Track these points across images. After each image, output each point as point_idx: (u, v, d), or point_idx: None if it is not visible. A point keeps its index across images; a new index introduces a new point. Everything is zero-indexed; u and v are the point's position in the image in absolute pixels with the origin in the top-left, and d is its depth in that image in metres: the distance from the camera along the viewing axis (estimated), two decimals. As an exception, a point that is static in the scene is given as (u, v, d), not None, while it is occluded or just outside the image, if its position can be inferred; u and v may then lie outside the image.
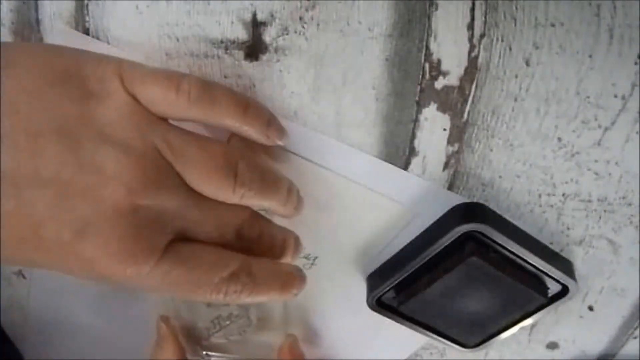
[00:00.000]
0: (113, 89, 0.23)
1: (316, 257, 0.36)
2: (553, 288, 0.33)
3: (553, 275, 0.32)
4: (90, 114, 0.22)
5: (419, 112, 0.29)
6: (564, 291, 0.33)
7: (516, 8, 0.26)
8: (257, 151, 0.29)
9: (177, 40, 0.28)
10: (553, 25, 0.26)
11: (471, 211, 0.31)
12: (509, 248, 0.31)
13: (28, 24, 0.28)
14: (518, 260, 0.31)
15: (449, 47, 0.27)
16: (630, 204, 0.31)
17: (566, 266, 0.33)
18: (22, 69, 0.22)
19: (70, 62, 0.23)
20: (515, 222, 0.32)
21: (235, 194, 0.25)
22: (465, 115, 0.29)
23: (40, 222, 0.21)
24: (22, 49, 0.23)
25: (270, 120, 0.27)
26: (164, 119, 0.25)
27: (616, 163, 0.29)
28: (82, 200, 0.21)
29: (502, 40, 0.26)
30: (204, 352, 0.41)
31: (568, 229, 0.33)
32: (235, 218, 0.26)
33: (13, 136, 0.21)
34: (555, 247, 0.34)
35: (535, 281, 0.32)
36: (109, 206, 0.22)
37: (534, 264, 0.31)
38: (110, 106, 0.23)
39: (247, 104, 0.26)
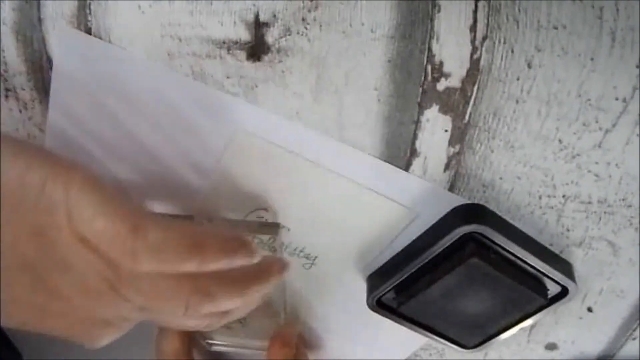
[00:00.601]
0: (61, 225, 0.22)
1: (316, 257, 0.36)
2: (553, 289, 0.33)
3: (553, 277, 0.32)
4: (45, 250, 0.23)
5: (420, 113, 0.29)
6: (563, 292, 0.33)
7: (519, 10, 0.26)
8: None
9: (180, 40, 0.28)
10: (555, 28, 0.26)
11: (472, 212, 0.31)
12: (509, 249, 0.31)
13: (30, 23, 0.28)
14: (518, 261, 0.32)
15: (451, 49, 0.27)
16: (630, 206, 0.31)
17: (566, 267, 0.33)
18: None
19: (17, 187, 0.22)
20: (516, 224, 0.32)
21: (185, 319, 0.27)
22: (467, 117, 0.29)
23: (30, 326, 0.25)
24: None
25: (232, 249, 0.26)
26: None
27: (616, 165, 0.30)
28: (59, 319, 0.25)
29: (504, 43, 0.26)
30: (206, 341, 0.41)
31: (568, 230, 0.33)
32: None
33: None
34: (555, 249, 0.34)
35: (535, 282, 0.33)
36: (81, 322, 0.25)
37: (534, 265, 0.31)
38: (62, 242, 0.23)
39: (204, 246, 0.24)
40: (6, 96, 0.31)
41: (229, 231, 0.27)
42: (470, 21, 0.26)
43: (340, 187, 0.32)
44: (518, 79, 0.27)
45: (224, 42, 0.28)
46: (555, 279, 0.32)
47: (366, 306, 0.35)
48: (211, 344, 0.41)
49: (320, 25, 0.27)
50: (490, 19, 0.26)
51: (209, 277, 0.25)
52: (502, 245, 0.30)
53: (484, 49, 0.27)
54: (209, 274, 0.25)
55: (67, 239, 0.22)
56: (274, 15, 0.27)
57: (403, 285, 0.34)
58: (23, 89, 0.31)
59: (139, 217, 0.23)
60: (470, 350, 0.38)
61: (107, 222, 0.22)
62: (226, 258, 0.25)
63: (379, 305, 0.35)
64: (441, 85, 0.28)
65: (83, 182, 0.22)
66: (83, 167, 0.23)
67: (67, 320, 0.25)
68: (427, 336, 0.37)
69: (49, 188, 0.22)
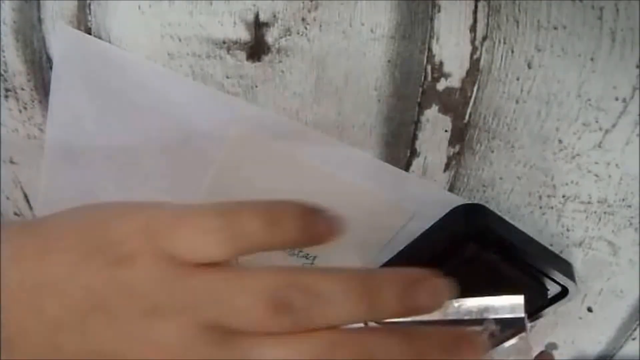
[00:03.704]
0: (138, 251, 0.22)
1: (316, 257, 0.36)
2: (553, 289, 0.33)
3: (553, 277, 0.32)
4: (125, 284, 0.22)
5: (420, 113, 0.29)
6: (563, 293, 0.33)
7: (519, 10, 0.26)
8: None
9: (180, 40, 0.28)
10: (555, 28, 0.26)
11: (472, 212, 0.31)
12: (509, 249, 0.31)
13: (30, 23, 0.28)
14: (518, 261, 0.31)
15: (451, 49, 0.27)
16: (629, 206, 0.31)
17: (566, 268, 0.33)
18: (58, 252, 0.22)
19: (97, 228, 0.23)
20: (516, 224, 0.32)
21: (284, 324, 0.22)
22: (467, 117, 0.29)
23: None
24: (52, 230, 0.23)
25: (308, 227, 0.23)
26: (196, 265, 0.23)
27: (616, 165, 0.29)
28: None
29: (504, 43, 0.26)
30: None
31: (568, 230, 0.33)
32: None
33: (65, 317, 0.22)
34: (555, 249, 0.34)
35: (535, 283, 0.33)
36: None
37: (534, 265, 0.31)
38: (140, 273, 0.22)
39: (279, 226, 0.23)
40: (6, 96, 0.31)
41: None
42: (470, 21, 0.26)
43: (340, 187, 0.32)
44: (518, 79, 0.27)
45: (223, 42, 0.28)
46: (555, 279, 0.32)
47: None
48: None
49: (320, 26, 0.27)
50: (490, 19, 0.26)
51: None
52: (502, 245, 0.30)
53: (484, 49, 0.27)
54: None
55: (144, 264, 0.22)
56: (274, 16, 0.27)
57: (403, 286, 0.34)
58: (23, 89, 0.31)
59: (228, 205, 0.22)
60: (470, 350, 0.38)
61: (183, 226, 0.22)
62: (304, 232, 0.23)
63: (379, 305, 0.35)
64: (441, 85, 0.28)
65: (159, 208, 0.23)
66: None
67: None
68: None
69: (128, 221, 0.22)
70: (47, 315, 0.22)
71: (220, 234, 0.22)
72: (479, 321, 0.31)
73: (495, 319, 0.31)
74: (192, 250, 0.22)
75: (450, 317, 0.31)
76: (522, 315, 0.31)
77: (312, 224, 0.23)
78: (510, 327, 0.31)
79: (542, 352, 0.31)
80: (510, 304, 0.31)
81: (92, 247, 0.22)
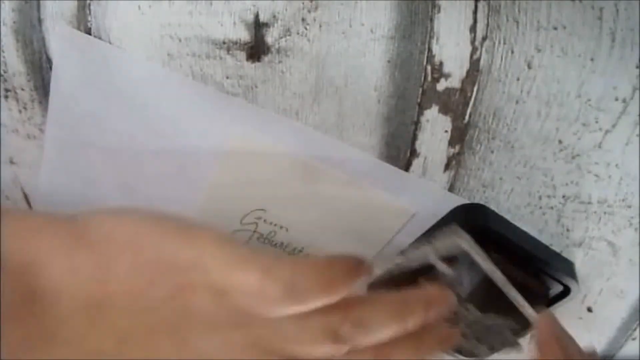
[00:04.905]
0: (199, 281, 0.24)
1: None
2: (554, 289, 0.33)
3: (554, 276, 0.32)
4: (188, 309, 0.24)
5: (420, 113, 0.29)
6: (565, 292, 0.33)
7: (519, 11, 0.26)
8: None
9: (179, 40, 0.28)
10: (555, 28, 0.26)
11: (472, 212, 0.31)
12: (510, 248, 0.31)
13: (30, 24, 0.28)
14: (519, 260, 0.31)
15: (451, 49, 0.27)
16: (629, 206, 0.31)
17: (567, 267, 0.33)
18: (117, 278, 0.24)
19: (153, 252, 0.24)
20: (516, 224, 0.32)
21: (342, 351, 0.25)
22: (467, 117, 0.29)
23: None
24: (106, 246, 0.24)
25: (358, 273, 0.25)
26: None
27: (616, 165, 0.29)
28: None
29: (504, 43, 0.26)
30: None
31: (568, 230, 0.33)
32: None
33: (135, 335, 0.24)
34: (554, 249, 0.34)
35: (536, 282, 0.33)
36: None
37: (535, 264, 0.31)
38: (201, 301, 0.24)
39: (334, 285, 0.24)
40: (6, 96, 0.31)
41: (345, 258, 0.25)
42: (470, 21, 0.26)
43: (340, 187, 0.32)
44: (518, 80, 0.27)
45: (223, 43, 0.28)
46: (557, 278, 0.32)
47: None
48: None
49: (320, 26, 0.27)
50: (490, 20, 0.26)
51: (360, 307, 0.25)
52: (503, 244, 0.30)
53: (483, 49, 0.27)
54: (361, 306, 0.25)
55: (206, 294, 0.24)
56: (274, 16, 0.27)
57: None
58: (23, 89, 0.31)
59: (268, 261, 0.24)
60: (470, 350, 0.38)
61: (240, 273, 0.24)
62: (352, 281, 0.25)
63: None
64: (441, 86, 0.28)
65: (213, 243, 0.24)
66: (212, 229, 0.25)
67: None
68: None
69: (187, 250, 0.24)
70: (116, 329, 0.24)
71: (271, 299, 0.24)
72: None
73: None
74: (241, 297, 0.24)
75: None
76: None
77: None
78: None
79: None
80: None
81: (153, 274, 0.24)
